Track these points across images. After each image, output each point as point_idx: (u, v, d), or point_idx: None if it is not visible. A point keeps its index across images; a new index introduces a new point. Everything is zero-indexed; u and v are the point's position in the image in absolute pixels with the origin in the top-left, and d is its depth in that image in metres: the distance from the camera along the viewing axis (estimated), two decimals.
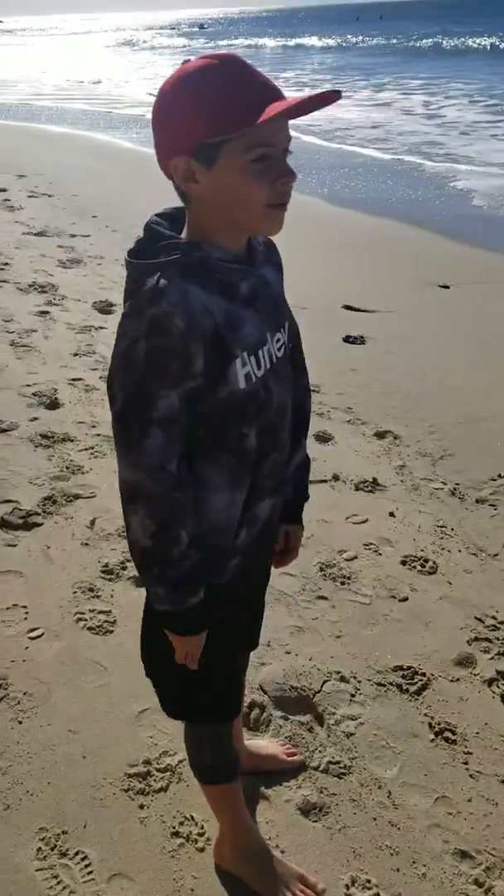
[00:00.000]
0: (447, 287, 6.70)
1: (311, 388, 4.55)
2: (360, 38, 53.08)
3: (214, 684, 1.60)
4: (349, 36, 55.82)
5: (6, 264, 6.71)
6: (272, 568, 1.78)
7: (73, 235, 7.92)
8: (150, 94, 22.85)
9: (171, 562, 1.34)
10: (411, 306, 6.20)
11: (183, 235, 1.33)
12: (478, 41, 41.76)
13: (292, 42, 54.11)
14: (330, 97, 1.22)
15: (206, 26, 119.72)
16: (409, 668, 2.50)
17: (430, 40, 43.76)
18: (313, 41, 52.85)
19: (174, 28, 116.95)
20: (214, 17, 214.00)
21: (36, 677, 2.40)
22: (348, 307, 6.17)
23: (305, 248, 7.24)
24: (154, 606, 1.40)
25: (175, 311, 1.22)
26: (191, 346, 1.24)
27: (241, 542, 1.47)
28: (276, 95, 1.22)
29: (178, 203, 1.37)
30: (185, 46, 59.14)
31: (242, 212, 1.27)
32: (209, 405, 1.31)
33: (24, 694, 2.33)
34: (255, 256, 1.39)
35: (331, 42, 51.58)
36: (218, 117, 1.19)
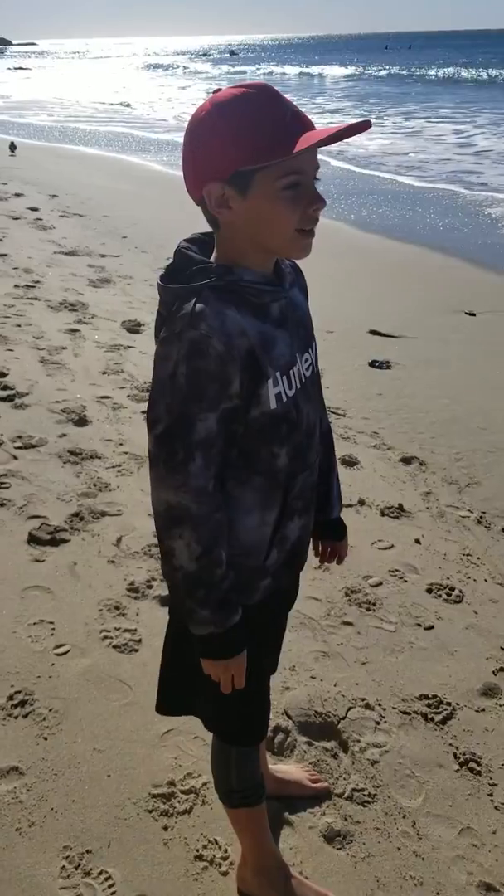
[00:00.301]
0: (473, 314, 6.70)
1: (338, 411, 4.59)
2: (387, 66, 53.53)
3: (245, 705, 1.61)
4: (374, 66, 56.33)
5: (38, 282, 6.80)
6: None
7: (104, 255, 8.02)
8: (178, 119, 23.15)
9: (215, 583, 1.36)
10: (437, 332, 6.21)
11: (213, 259, 1.37)
12: (500, 72, 41.91)
13: (321, 69, 54.68)
14: (361, 127, 1.26)
15: (237, 52, 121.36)
16: (434, 696, 2.49)
17: (456, 69, 44.03)
18: (343, 69, 53.36)
19: (206, 54, 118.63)
20: (245, 43, 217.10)
21: (62, 694, 2.41)
22: (374, 332, 6.19)
23: (333, 272, 7.29)
24: (195, 632, 1.41)
25: (213, 333, 1.25)
26: (228, 367, 1.27)
27: (271, 562, 1.49)
28: (308, 124, 1.26)
29: (205, 227, 1.40)
30: (205, 72, 60.06)
31: (273, 236, 1.31)
32: (243, 425, 1.34)
33: (50, 710, 2.34)
34: (284, 278, 1.42)
35: (360, 70, 52.08)
36: (254, 146, 1.22)
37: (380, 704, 2.44)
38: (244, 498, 1.41)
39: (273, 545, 1.47)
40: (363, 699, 2.45)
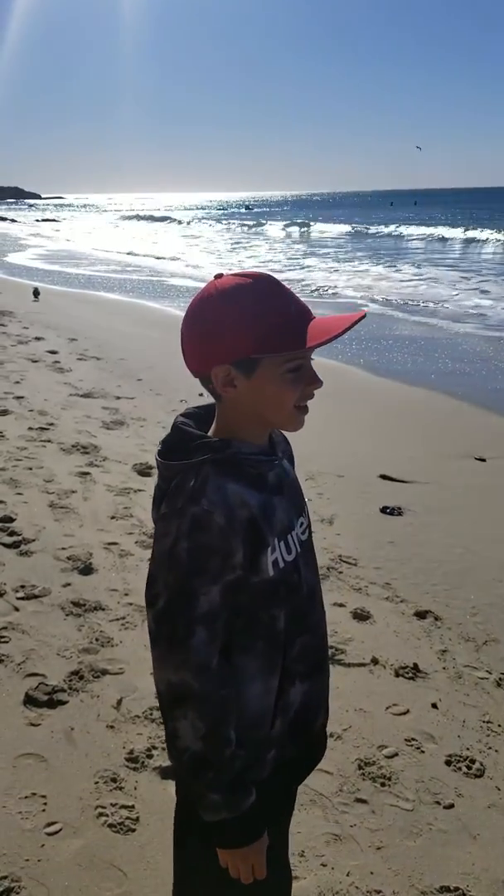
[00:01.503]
0: (483, 460, 6.70)
1: (349, 560, 4.49)
2: (393, 223, 56.79)
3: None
4: (380, 222, 59.73)
5: (51, 424, 6.90)
6: None
7: (118, 397, 8.17)
8: (194, 267, 24.35)
9: (224, 763, 1.29)
10: (448, 478, 6.18)
11: (211, 432, 1.41)
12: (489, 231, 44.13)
13: (330, 226, 58.00)
14: (360, 319, 1.34)
15: (251, 207, 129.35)
16: (456, 889, 2.27)
17: (465, 230, 46.49)
18: (347, 226, 56.49)
19: (222, 208, 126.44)
20: (258, 198, 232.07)
21: (51, 881, 2.21)
22: (385, 476, 6.18)
23: (343, 417, 7.39)
24: (206, 818, 1.31)
25: (215, 508, 1.28)
26: (231, 540, 1.28)
27: (276, 732, 1.42)
28: (308, 313, 1.34)
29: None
30: (219, 225, 63.81)
31: (273, 413, 1.37)
32: (246, 594, 1.33)
33: None
34: (276, 448, 1.48)
35: (365, 226, 55.20)
36: (266, 338, 1.29)
37: None
38: (248, 665, 1.37)
39: (277, 713, 1.41)
40: (379, 891, 2.24)
